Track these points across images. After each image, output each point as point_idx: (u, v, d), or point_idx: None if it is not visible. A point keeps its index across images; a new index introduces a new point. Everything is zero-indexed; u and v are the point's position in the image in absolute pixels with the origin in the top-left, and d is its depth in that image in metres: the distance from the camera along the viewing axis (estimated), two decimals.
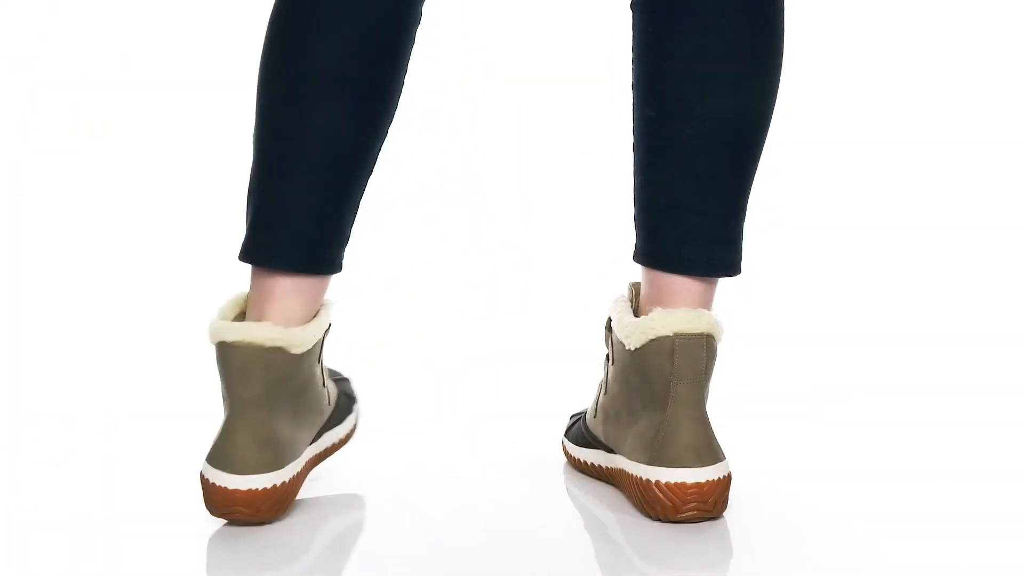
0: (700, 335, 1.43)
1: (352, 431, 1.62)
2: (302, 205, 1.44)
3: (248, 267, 1.48)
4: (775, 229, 2.66)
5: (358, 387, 1.65)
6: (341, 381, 1.64)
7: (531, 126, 2.81)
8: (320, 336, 1.48)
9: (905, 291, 2.43)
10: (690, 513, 1.41)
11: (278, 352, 1.43)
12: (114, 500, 1.55)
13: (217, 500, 1.42)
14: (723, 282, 1.50)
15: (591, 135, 2.73)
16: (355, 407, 1.63)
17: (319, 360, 1.52)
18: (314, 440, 1.53)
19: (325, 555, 1.39)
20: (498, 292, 2.50)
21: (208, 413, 1.85)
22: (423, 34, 1.46)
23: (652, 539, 1.41)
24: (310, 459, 1.52)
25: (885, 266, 2.54)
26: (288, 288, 1.45)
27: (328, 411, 1.56)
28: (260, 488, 1.42)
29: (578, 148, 2.74)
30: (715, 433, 1.44)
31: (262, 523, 1.44)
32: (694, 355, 1.43)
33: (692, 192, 1.46)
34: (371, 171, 1.47)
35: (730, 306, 1.55)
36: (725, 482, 1.43)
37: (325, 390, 1.55)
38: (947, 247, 2.58)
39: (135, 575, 1.36)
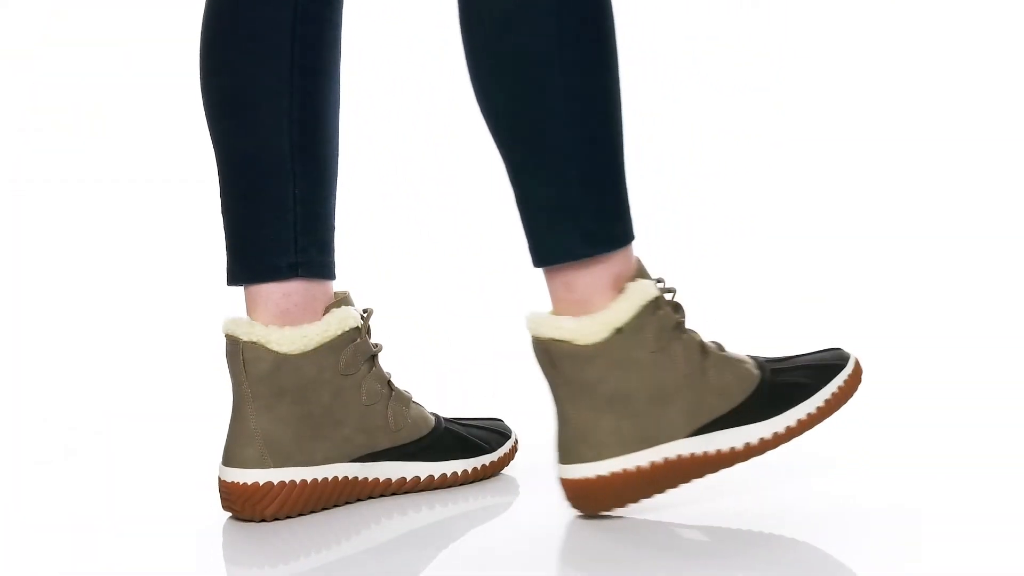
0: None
1: (464, 476, 1.56)
2: (227, 216, 1.50)
3: None
4: (753, 234, 2.66)
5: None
6: (472, 425, 1.59)
7: None
8: (316, 340, 1.47)
9: (881, 293, 2.42)
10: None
11: (258, 348, 1.45)
12: (114, 500, 1.55)
13: (219, 489, 1.47)
14: (712, 289, 1.51)
15: None
16: (486, 455, 1.57)
17: (353, 374, 1.49)
18: (364, 459, 1.50)
19: (323, 555, 1.39)
20: (488, 292, 2.50)
21: (208, 413, 1.85)
22: (415, 34, 1.46)
23: (653, 538, 1.41)
24: (357, 480, 1.49)
25: (859, 269, 2.53)
26: (260, 295, 1.48)
27: (401, 438, 1.52)
28: (241, 483, 1.44)
29: None
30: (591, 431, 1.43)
31: (258, 520, 1.45)
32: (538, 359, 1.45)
33: None
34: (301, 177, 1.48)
35: (715, 309, 1.55)
36: (586, 482, 1.43)
37: (385, 412, 1.51)
38: (924, 249, 2.58)
39: (135, 575, 1.36)
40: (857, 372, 1.50)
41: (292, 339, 1.46)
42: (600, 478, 1.42)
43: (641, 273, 1.45)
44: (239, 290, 1.51)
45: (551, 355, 1.43)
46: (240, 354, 1.46)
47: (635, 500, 1.43)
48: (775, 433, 1.46)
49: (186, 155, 2.79)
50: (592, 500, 1.43)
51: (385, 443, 1.51)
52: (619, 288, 1.43)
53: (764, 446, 1.46)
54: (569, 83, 1.40)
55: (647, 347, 1.43)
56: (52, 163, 2.76)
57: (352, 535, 1.45)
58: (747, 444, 1.45)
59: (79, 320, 2.31)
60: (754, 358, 1.49)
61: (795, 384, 1.47)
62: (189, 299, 2.37)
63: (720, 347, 1.49)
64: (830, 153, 2.82)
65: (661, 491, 1.44)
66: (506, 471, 1.60)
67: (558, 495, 1.45)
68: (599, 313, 1.42)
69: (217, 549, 1.42)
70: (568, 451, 1.43)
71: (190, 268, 2.50)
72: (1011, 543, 1.37)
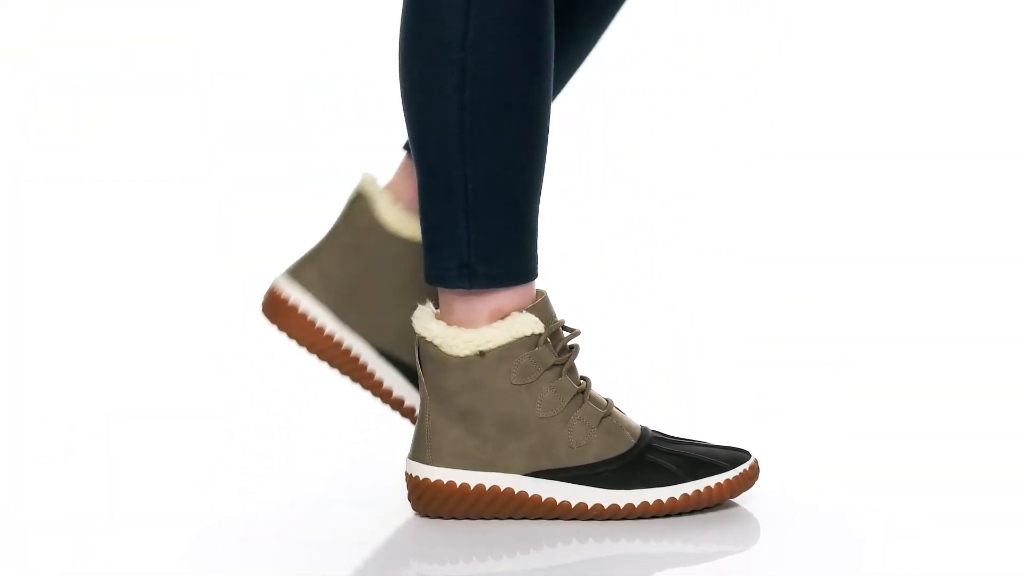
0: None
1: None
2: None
3: None
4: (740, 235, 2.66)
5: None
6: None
7: None
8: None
9: (864, 293, 2.42)
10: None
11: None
12: (114, 500, 1.54)
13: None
14: (703, 290, 1.51)
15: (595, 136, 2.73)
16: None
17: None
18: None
19: (323, 556, 1.39)
20: None
21: (208, 413, 1.85)
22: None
23: (656, 537, 1.41)
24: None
25: (845, 268, 2.53)
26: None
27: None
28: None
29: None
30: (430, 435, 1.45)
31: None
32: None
33: None
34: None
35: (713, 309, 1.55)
36: (418, 481, 1.45)
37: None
38: (916, 254, 2.57)
39: (135, 575, 1.36)
40: (740, 480, 1.46)
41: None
42: (432, 482, 1.44)
43: (538, 308, 1.45)
44: (238, 289, 1.51)
45: (419, 351, 1.46)
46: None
47: (464, 515, 1.45)
48: (612, 505, 1.44)
49: (186, 155, 2.79)
50: (423, 501, 1.45)
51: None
52: (500, 318, 1.45)
53: (595, 511, 1.45)
54: (469, 120, 1.41)
55: (509, 378, 1.44)
56: (52, 163, 2.76)
57: (353, 536, 1.44)
58: (580, 504, 1.45)
59: (79, 320, 2.31)
60: (644, 430, 1.47)
61: (660, 467, 1.45)
62: (189, 299, 2.37)
63: (610, 406, 1.47)
64: (823, 156, 2.82)
65: (495, 515, 1.45)
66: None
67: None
68: (468, 331, 1.44)
69: (217, 549, 1.42)
70: (415, 446, 1.46)
71: (190, 268, 2.50)
72: (992, 549, 1.38)
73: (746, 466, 1.47)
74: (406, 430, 1.55)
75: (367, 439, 1.73)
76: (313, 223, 1.63)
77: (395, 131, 1.54)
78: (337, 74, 2.85)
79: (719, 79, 2.89)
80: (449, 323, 1.46)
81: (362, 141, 2.79)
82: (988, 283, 2.41)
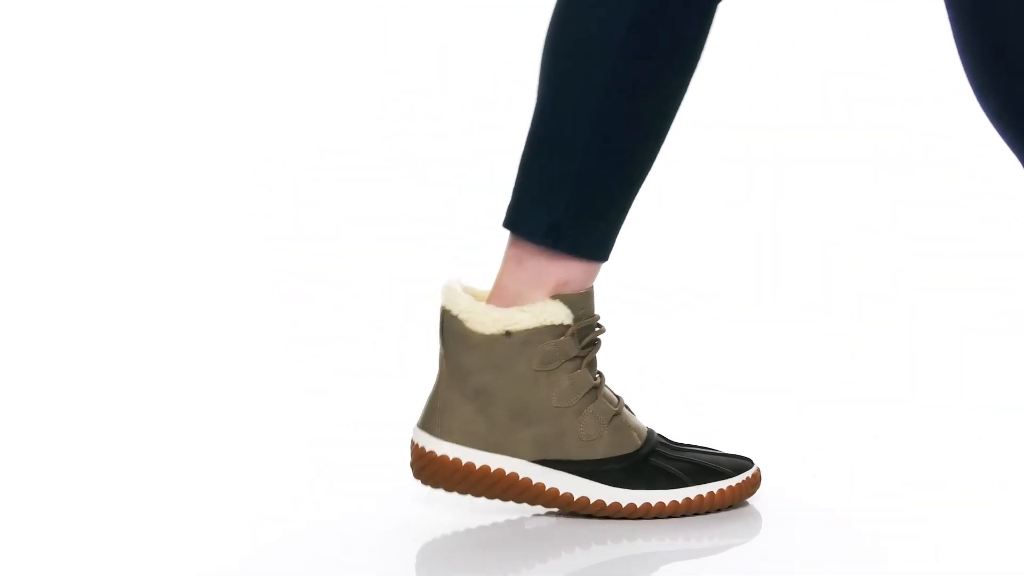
0: None
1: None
2: None
3: None
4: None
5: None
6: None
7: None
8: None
9: (866, 294, 2.42)
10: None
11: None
12: (114, 500, 1.54)
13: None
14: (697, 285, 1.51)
15: None
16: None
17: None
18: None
19: (327, 557, 1.39)
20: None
21: (209, 413, 1.85)
22: (413, 39, 1.46)
23: (659, 535, 1.41)
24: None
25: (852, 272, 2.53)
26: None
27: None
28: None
29: None
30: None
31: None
32: None
33: None
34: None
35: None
36: (423, 451, 1.46)
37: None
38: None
39: (135, 575, 1.36)
40: (743, 487, 1.48)
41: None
42: (438, 456, 1.45)
43: (580, 299, 1.46)
44: (241, 291, 1.51)
45: (443, 325, 1.46)
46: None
47: (465, 492, 1.45)
48: (615, 503, 1.45)
49: (186, 155, 2.79)
50: (425, 472, 1.46)
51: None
52: (551, 295, 1.45)
53: (597, 507, 1.45)
54: (614, 97, 1.42)
55: (531, 363, 1.44)
56: (53, 163, 2.76)
57: (354, 536, 1.44)
58: (582, 498, 1.45)
59: (79, 320, 2.30)
60: (650, 432, 1.48)
61: (665, 472, 1.46)
62: (189, 299, 2.37)
63: (620, 404, 1.48)
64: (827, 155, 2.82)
65: (496, 498, 1.45)
66: None
67: None
68: (498, 310, 1.44)
69: (217, 549, 1.42)
70: (426, 418, 1.46)
71: (190, 268, 2.50)
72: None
73: (748, 474, 1.48)
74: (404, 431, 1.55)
75: (371, 438, 1.73)
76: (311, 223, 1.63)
77: (396, 131, 1.53)
78: (336, 75, 2.86)
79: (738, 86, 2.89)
80: (515, 273, 1.46)
81: (360, 142, 2.80)
82: (989, 283, 2.41)
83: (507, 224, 1.47)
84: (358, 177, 2.71)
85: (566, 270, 1.45)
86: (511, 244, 1.47)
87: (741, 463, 1.48)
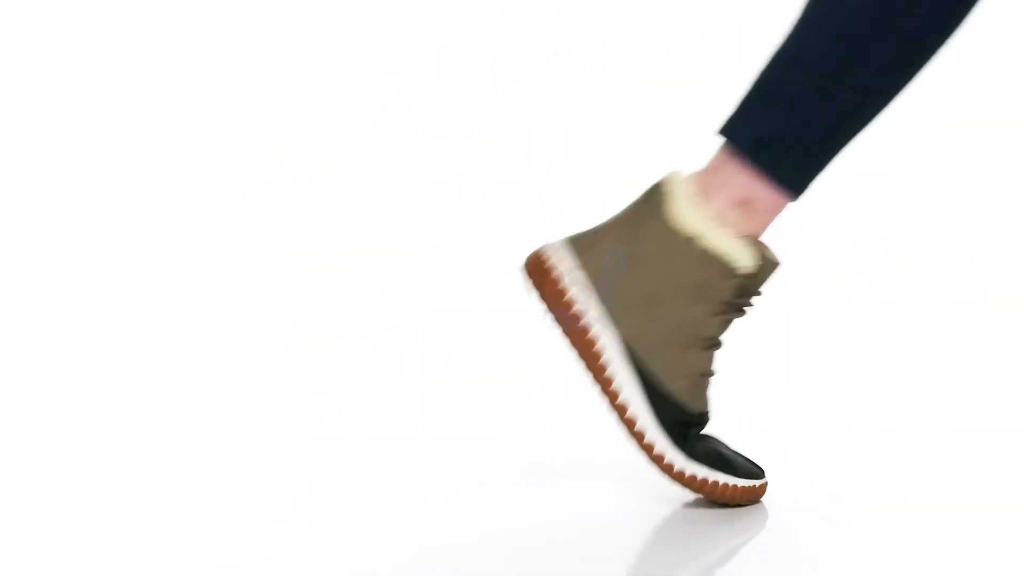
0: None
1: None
2: None
3: None
4: None
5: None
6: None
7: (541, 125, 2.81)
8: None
9: (870, 294, 2.42)
10: None
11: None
12: (114, 500, 1.54)
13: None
14: None
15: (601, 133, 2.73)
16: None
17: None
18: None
19: (326, 556, 1.39)
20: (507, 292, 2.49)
21: (209, 413, 1.85)
22: (419, 41, 1.46)
23: (669, 538, 1.41)
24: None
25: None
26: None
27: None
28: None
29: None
30: None
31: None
32: None
33: None
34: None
35: None
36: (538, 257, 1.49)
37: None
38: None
39: (135, 575, 1.36)
40: (747, 491, 1.49)
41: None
42: (553, 276, 1.47)
43: (760, 245, 1.47)
44: (241, 291, 1.51)
45: (655, 196, 1.46)
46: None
47: (539, 301, 1.47)
48: (651, 442, 1.46)
49: (186, 155, 2.79)
50: (535, 275, 1.47)
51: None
52: (739, 213, 1.46)
53: (633, 427, 1.46)
54: (889, 52, 1.42)
55: (696, 274, 1.45)
56: (53, 163, 2.76)
57: (356, 535, 1.44)
58: (631, 415, 1.46)
59: (79, 320, 2.30)
60: (706, 415, 1.50)
61: (693, 444, 1.48)
62: (189, 299, 2.37)
63: (711, 375, 1.49)
64: None
65: (570, 344, 1.46)
66: (518, 470, 1.59)
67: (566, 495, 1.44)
68: (700, 216, 1.45)
69: (217, 549, 1.42)
70: (580, 242, 1.48)
71: (190, 268, 2.50)
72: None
73: (756, 482, 1.49)
74: (404, 431, 1.55)
75: (373, 438, 1.73)
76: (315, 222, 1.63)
77: (396, 131, 1.53)
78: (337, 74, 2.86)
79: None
80: (711, 173, 1.45)
81: (361, 139, 2.80)
82: (988, 283, 2.41)
83: (724, 128, 1.46)
84: (358, 177, 2.72)
85: (754, 188, 1.45)
86: (721, 148, 1.46)
87: (754, 470, 1.50)
